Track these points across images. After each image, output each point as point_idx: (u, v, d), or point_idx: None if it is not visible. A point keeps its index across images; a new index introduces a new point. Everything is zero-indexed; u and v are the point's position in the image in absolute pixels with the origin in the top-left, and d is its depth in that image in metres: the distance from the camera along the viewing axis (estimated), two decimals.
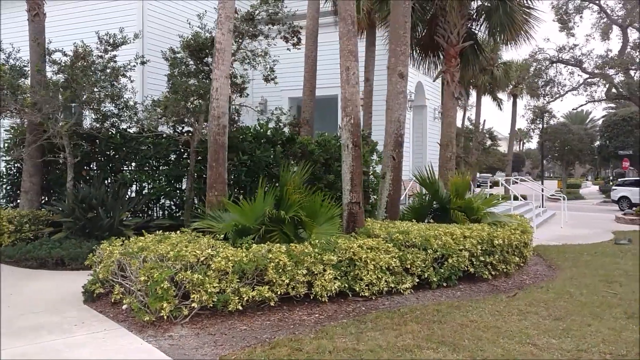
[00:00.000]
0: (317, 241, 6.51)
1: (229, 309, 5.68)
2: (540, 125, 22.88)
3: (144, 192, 10.43)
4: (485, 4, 11.04)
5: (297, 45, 10.28)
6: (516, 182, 25.52)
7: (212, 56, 10.18)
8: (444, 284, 7.21)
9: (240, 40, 10.27)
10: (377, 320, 5.75)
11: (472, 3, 11.03)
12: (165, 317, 5.47)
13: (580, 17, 18.32)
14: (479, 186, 36.24)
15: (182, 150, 10.42)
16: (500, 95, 32.06)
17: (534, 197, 23.51)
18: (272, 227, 6.89)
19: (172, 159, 10.50)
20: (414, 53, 11.69)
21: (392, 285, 6.71)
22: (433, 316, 5.87)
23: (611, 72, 17.66)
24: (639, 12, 17.00)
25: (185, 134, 10.15)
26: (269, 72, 10.80)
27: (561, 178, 44.73)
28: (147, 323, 5.46)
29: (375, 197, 11.09)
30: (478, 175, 52.56)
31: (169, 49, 10.32)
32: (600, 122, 47.85)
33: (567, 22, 18.29)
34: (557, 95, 19.71)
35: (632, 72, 18.82)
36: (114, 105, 10.20)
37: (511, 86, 30.97)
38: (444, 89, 10.59)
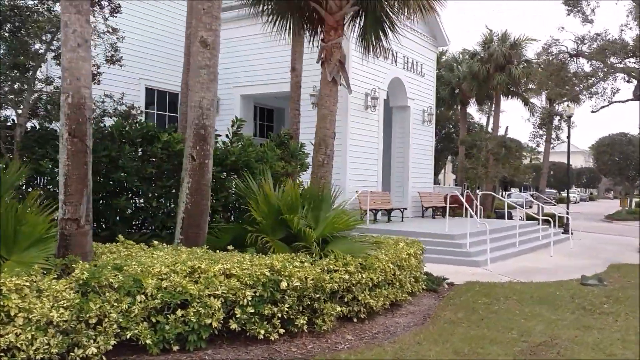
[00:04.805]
0: None
1: None
2: (552, 131, 19.20)
3: None
4: None
5: (115, 13, 8.02)
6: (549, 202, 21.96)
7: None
8: (175, 349, 4.68)
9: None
10: None
11: None
12: None
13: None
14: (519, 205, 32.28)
15: (9, 146, 8.45)
16: (534, 100, 28.33)
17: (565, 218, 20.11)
18: None
19: None
20: (303, 29, 9.10)
21: (57, 351, 4.27)
22: None
23: (614, 60, 14.14)
24: None
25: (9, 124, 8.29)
26: (112, 52, 8.66)
27: (620, 196, 39.50)
28: None
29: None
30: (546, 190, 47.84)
31: None
32: None
33: (577, 5, 14.85)
34: (573, 94, 16.20)
35: None
36: None
37: (547, 90, 27.22)
38: (321, 71, 7.97)
